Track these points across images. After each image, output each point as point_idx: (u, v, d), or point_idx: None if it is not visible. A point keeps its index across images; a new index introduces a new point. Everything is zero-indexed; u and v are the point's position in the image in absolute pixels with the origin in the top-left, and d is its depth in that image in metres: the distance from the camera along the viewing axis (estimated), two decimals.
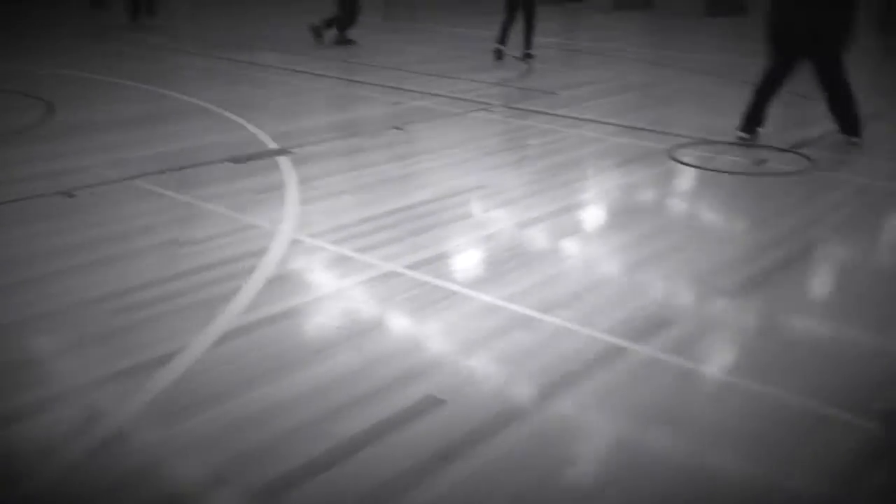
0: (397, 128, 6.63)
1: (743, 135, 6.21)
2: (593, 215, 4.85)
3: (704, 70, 9.53)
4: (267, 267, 3.85)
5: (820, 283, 4.00)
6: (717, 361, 3.15)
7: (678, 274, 3.89)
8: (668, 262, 4.03)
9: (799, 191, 5.19)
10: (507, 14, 9.90)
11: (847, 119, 6.02)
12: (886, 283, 3.89)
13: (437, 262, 4.00)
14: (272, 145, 6.01)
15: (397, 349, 3.16)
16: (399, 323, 3.41)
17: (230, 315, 3.37)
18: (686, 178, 5.52)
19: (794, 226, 4.55)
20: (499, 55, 9.96)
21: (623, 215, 4.78)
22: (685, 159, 5.77)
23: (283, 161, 5.60)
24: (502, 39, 9.92)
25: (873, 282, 3.89)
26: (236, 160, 5.59)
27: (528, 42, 9.98)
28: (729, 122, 6.35)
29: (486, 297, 3.60)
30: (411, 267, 3.91)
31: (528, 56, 9.99)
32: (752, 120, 6.21)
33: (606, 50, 11.32)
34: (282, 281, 3.73)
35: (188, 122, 6.74)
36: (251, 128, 6.52)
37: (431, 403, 2.77)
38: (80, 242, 4.08)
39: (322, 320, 3.40)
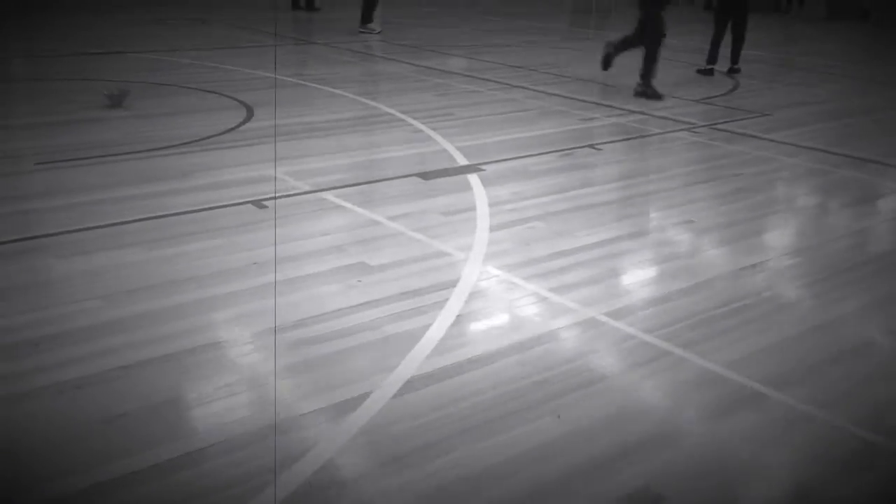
0: (592, 147, 6.20)
1: None
2: (827, 265, 4.20)
3: None
4: (456, 303, 3.54)
5: None
6: None
7: None
8: None
9: None
10: (717, 28, 9.20)
11: None
12: None
13: (641, 311, 3.55)
14: (461, 160, 5.74)
15: (603, 421, 2.74)
16: (605, 386, 2.99)
17: (416, 358, 3.08)
18: None
19: None
20: (708, 73, 9.27)
21: (861, 268, 4.12)
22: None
23: (473, 179, 5.31)
24: (713, 58, 9.21)
25: None
26: (425, 176, 5.35)
27: (735, 56, 9.25)
28: None
29: (702, 362, 3.11)
30: (613, 315, 3.48)
31: (734, 70, 9.25)
32: None
33: (820, 65, 10.33)
34: (471, 320, 3.41)
35: (377, 132, 6.60)
36: (439, 139, 6.29)
37: (649, 500, 2.34)
38: (266, 260, 3.94)
39: (516, 372, 3.03)
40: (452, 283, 3.74)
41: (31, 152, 5.55)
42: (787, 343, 3.30)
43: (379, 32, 12.33)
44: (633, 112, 7.38)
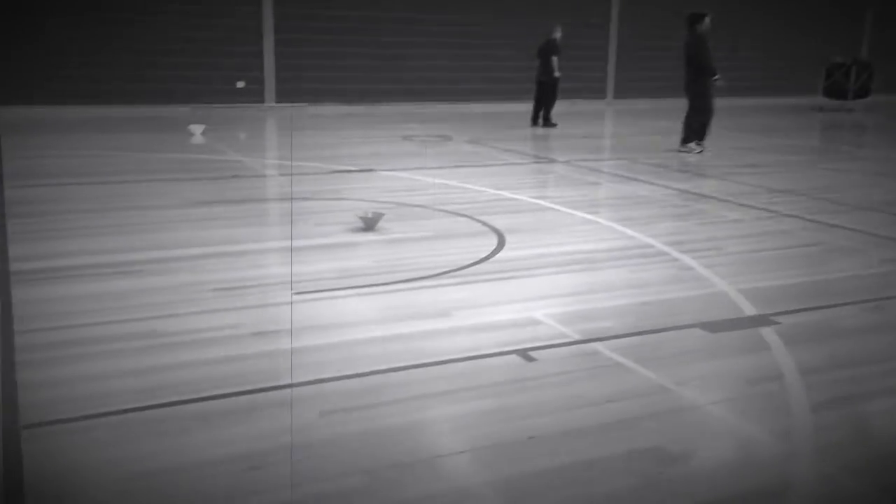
0: None
1: None
2: None
3: None
4: None
5: None
6: None
7: None
8: None
9: None
10: None
11: None
12: None
13: None
14: (747, 309, 4.96)
15: None
16: None
17: None
18: None
19: None
20: None
21: None
22: None
23: (768, 335, 4.51)
24: None
25: None
26: (710, 328, 4.63)
27: None
28: None
29: None
30: None
31: None
32: None
33: None
34: None
35: (640, 268, 5.97)
36: (715, 279, 5.55)
37: None
38: (543, 434, 3.37)
39: None
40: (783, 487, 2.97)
41: (284, 280, 5.44)
42: None
43: (700, 152, 11.86)
44: None
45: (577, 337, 4.46)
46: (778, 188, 9.20)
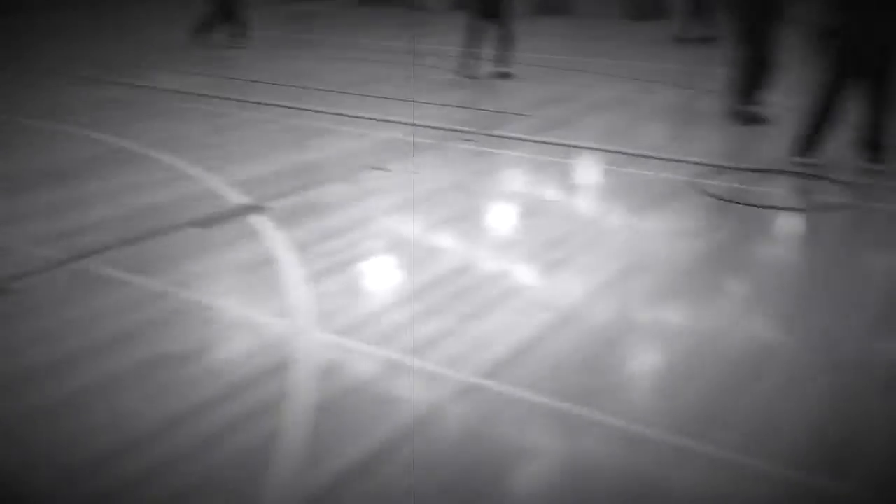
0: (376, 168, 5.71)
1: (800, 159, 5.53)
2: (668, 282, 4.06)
3: (660, 81, 8.95)
4: (301, 394, 2.89)
5: None
6: None
7: None
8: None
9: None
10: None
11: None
12: None
13: None
14: (237, 200, 4.98)
15: None
16: None
17: (290, 475, 2.41)
18: (740, 219, 4.80)
19: None
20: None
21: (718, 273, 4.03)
22: (720, 193, 5.09)
23: (259, 222, 4.59)
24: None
25: None
26: (203, 224, 4.54)
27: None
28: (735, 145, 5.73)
29: None
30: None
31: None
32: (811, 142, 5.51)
33: (549, 62, 10.62)
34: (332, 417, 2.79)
35: (125, 174, 5.58)
36: (203, 175, 5.45)
37: None
38: None
39: None
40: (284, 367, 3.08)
41: None
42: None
43: None
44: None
45: (56, 259, 4.02)
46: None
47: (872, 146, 5.42)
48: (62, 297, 3.64)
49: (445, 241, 4.44)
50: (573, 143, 6.37)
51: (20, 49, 11.35)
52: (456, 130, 6.74)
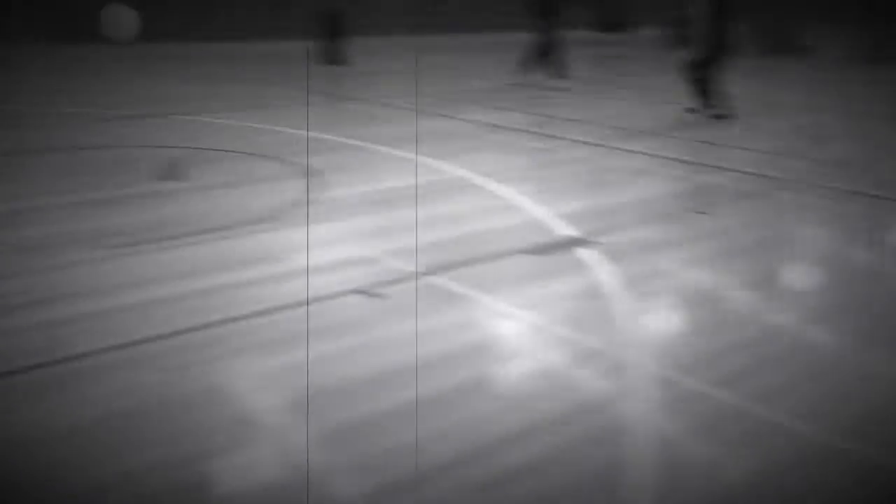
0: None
1: None
2: None
3: None
4: None
5: None
6: None
7: None
8: None
9: None
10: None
11: None
12: None
13: None
14: (566, 232, 5.23)
15: None
16: None
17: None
18: None
19: None
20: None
21: None
22: None
23: (587, 255, 4.80)
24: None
25: None
26: (535, 252, 4.84)
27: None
28: None
29: None
30: None
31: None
32: None
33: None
34: None
35: (456, 200, 6.09)
36: (530, 206, 5.78)
37: None
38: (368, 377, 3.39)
39: None
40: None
41: (92, 235, 5.04)
42: None
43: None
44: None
45: (413, 270, 4.51)
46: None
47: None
48: (423, 306, 4.07)
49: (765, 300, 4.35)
50: None
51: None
52: (779, 179, 6.55)
